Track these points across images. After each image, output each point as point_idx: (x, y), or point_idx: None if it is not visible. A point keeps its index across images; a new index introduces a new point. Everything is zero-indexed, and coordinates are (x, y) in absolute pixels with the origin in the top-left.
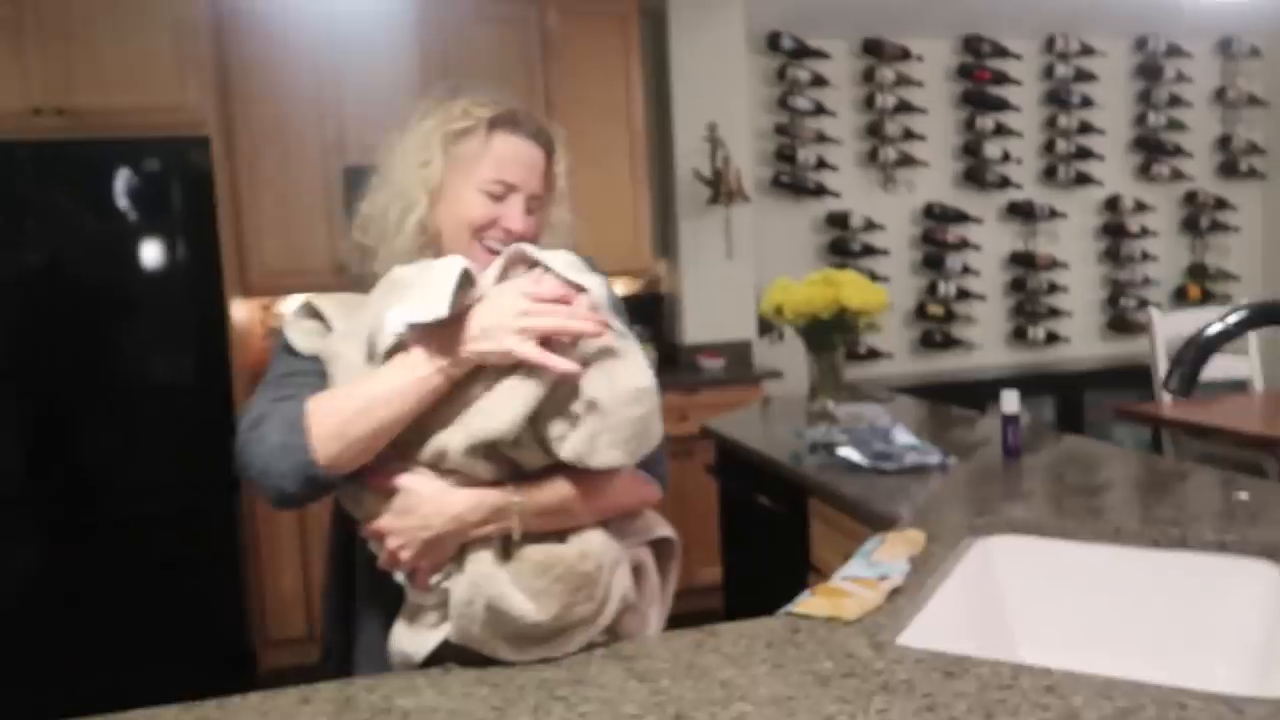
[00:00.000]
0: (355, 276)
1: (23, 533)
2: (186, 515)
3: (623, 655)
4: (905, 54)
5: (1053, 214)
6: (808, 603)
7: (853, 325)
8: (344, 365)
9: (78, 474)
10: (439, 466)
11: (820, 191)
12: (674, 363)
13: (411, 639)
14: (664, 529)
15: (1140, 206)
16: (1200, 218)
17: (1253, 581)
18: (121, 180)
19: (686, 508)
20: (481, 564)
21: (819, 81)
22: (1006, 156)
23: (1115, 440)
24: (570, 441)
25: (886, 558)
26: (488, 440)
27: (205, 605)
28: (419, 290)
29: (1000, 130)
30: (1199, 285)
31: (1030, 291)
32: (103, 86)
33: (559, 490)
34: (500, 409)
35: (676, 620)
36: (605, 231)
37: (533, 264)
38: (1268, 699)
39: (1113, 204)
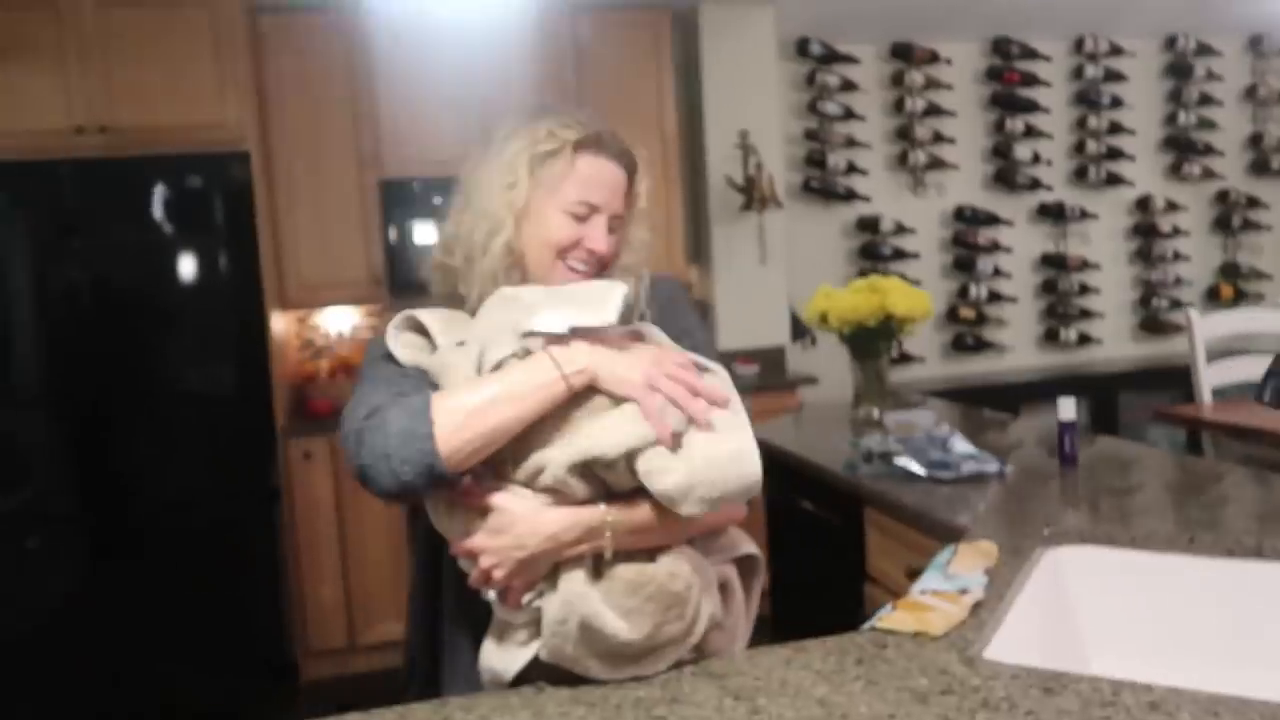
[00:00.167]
0: (441, 295)
1: (66, 543)
2: (227, 526)
3: (713, 673)
4: (934, 57)
5: (1083, 215)
6: (891, 617)
7: (897, 332)
8: (458, 373)
9: (120, 485)
10: (534, 484)
11: (850, 196)
12: None
13: (501, 657)
14: (748, 546)
15: (1171, 206)
16: (1232, 216)
17: None
18: (163, 196)
19: None
20: (575, 583)
21: (848, 86)
22: (1036, 158)
23: (1150, 442)
24: (665, 484)
25: (963, 570)
26: (590, 458)
27: (246, 616)
28: (562, 305)
29: (1030, 132)
30: (1231, 284)
31: (1062, 293)
32: (144, 104)
33: (650, 509)
34: (607, 433)
35: None
36: None
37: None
38: None
39: (1144, 204)
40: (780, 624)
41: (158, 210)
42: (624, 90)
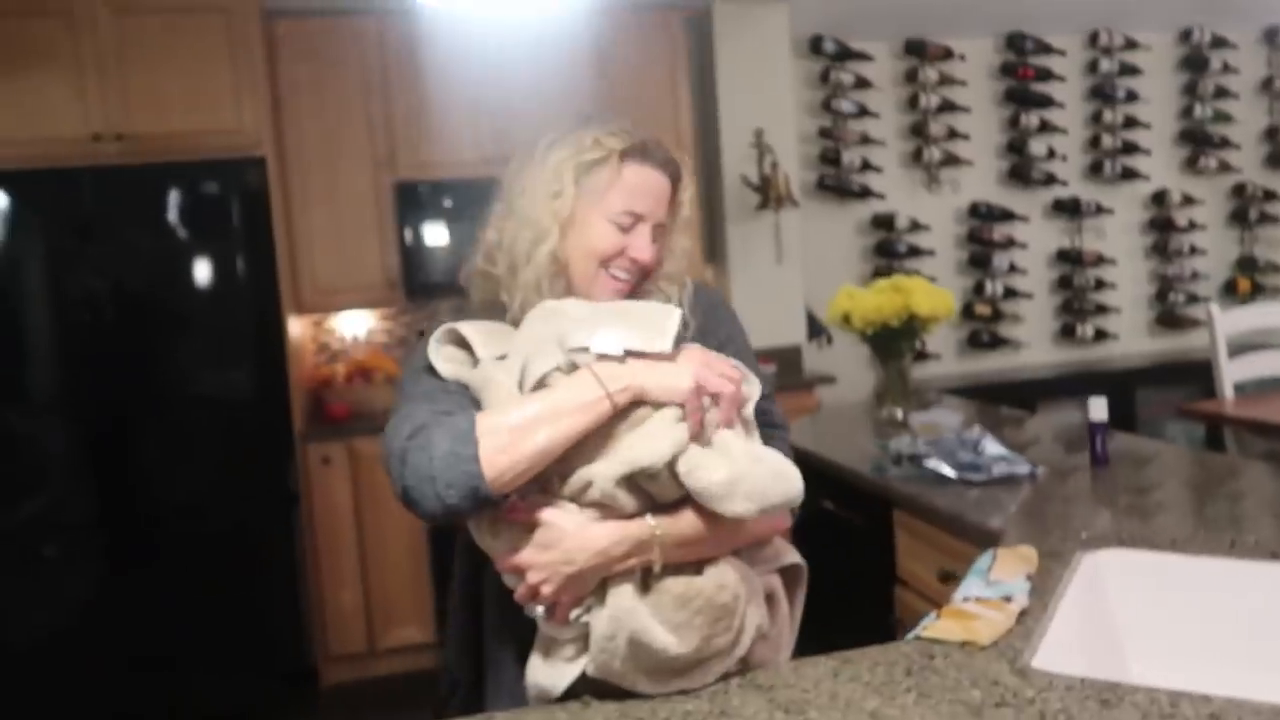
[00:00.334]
0: (481, 303)
1: (83, 550)
2: (246, 531)
3: (760, 685)
4: (948, 53)
5: (1099, 210)
6: (936, 626)
7: (920, 332)
8: (500, 390)
9: (138, 490)
10: (580, 499)
11: (865, 194)
12: None
13: (548, 673)
14: (792, 555)
15: (1187, 200)
16: (1249, 210)
17: None
18: (179, 202)
19: None
20: (623, 598)
21: (862, 83)
22: (1051, 153)
23: (1169, 438)
24: (708, 481)
25: (1005, 576)
26: (636, 470)
27: (265, 621)
28: (612, 324)
29: (1045, 127)
30: (1249, 278)
31: (1077, 289)
32: (160, 111)
33: (696, 521)
34: (650, 443)
35: None
36: None
37: None
38: None
39: (1159, 198)
40: (805, 626)
41: (174, 216)
42: (639, 90)
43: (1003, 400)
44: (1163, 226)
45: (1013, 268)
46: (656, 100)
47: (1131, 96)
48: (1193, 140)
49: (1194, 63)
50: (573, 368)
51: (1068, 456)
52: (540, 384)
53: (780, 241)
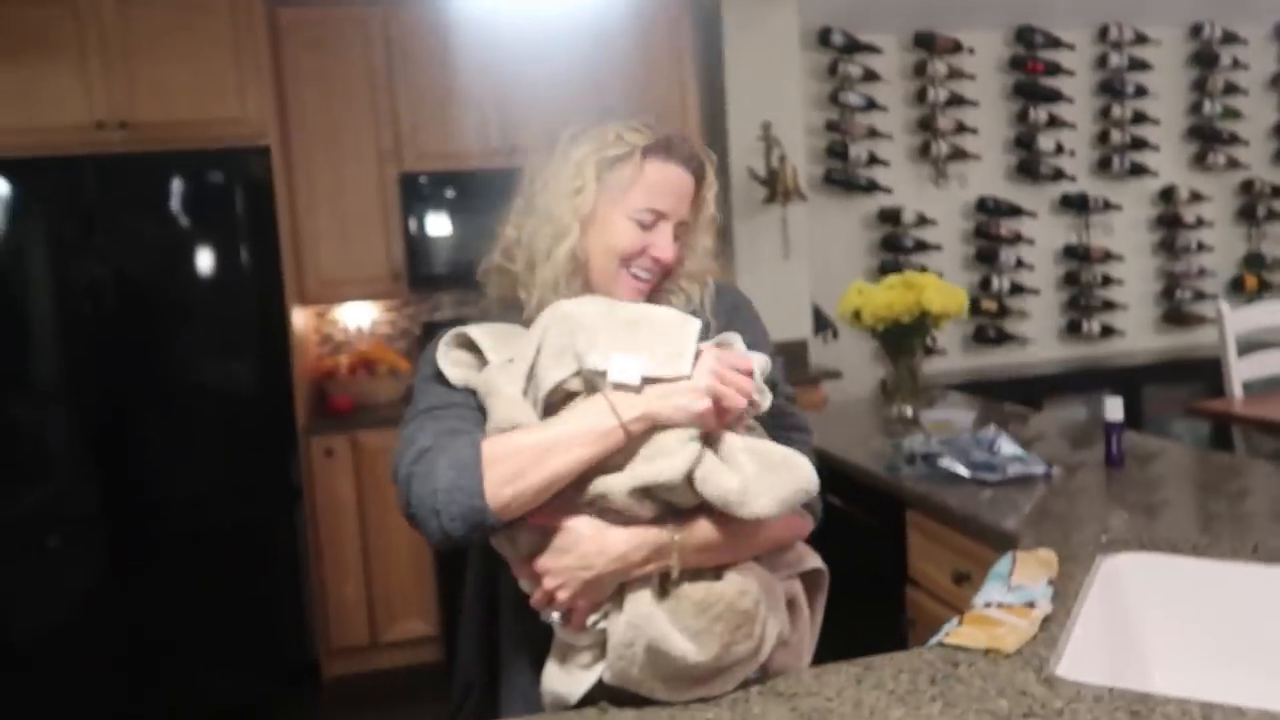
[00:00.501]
0: (496, 299)
1: (86, 542)
2: (248, 524)
3: (782, 693)
4: (957, 46)
5: (1107, 206)
6: (959, 632)
7: (931, 329)
8: (504, 400)
9: (140, 482)
10: (597, 505)
11: (872, 188)
12: None
13: (565, 679)
14: (814, 560)
15: (1196, 196)
16: (1257, 206)
17: None
18: (183, 191)
19: None
20: (641, 604)
21: (870, 76)
22: (1060, 148)
23: (1175, 435)
24: (723, 487)
25: (1026, 581)
26: (653, 485)
27: (268, 614)
28: (627, 338)
29: (1053, 122)
30: (1256, 275)
31: (1084, 285)
32: (164, 99)
33: (716, 526)
34: (667, 456)
35: None
36: None
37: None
38: None
39: (1167, 194)
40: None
41: (178, 206)
42: (646, 81)
43: (1008, 396)
44: (1170, 223)
45: (1019, 263)
46: (664, 92)
47: (1141, 92)
48: (1201, 136)
49: (1204, 58)
50: (586, 384)
51: (1073, 453)
52: (552, 394)
53: (787, 236)
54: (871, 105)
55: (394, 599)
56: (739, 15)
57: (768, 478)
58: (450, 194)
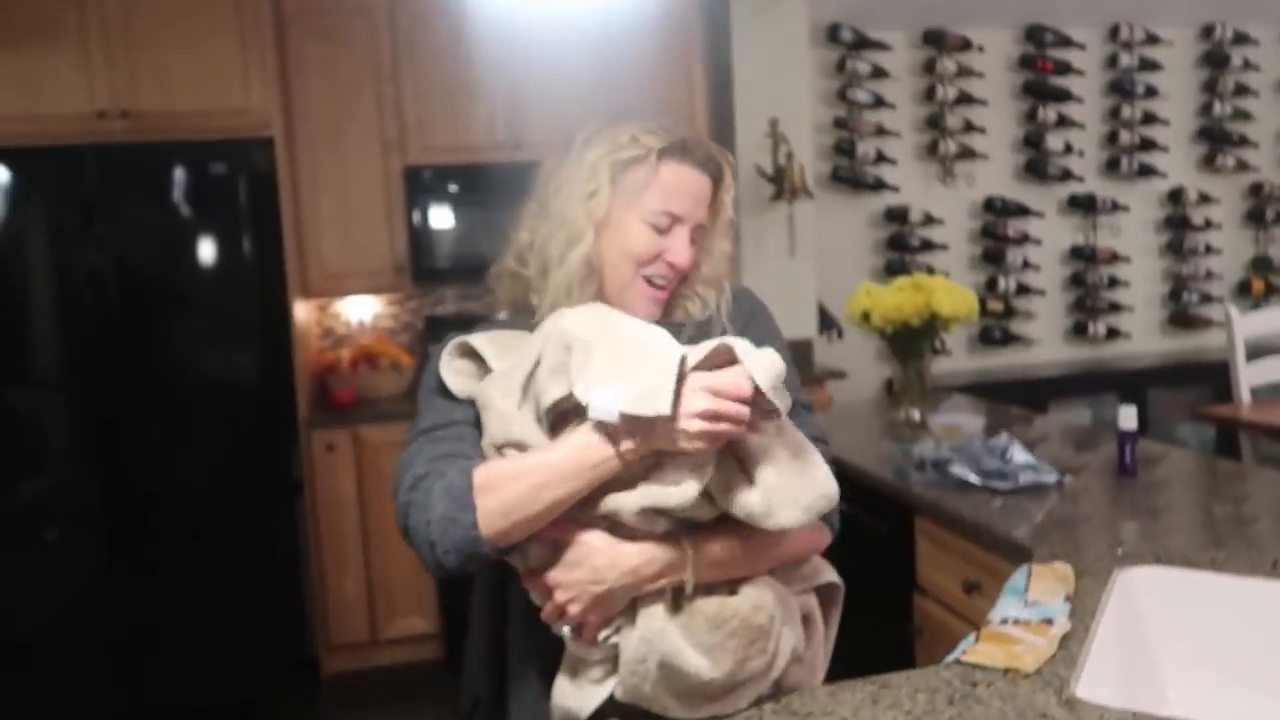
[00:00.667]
0: (507, 303)
1: (85, 535)
2: (249, 518)
3: (796, 711)
4: (966, 44)
5: (1114, 207)
6: (976, 650)
7: (941, 331)
8: (496, 415)
9: (140, 475)
10: (609, 519)
11: (879, 186)
12: None
13: (576, 695)
14: (829, 574)
15: (1204, 199)
16: (1265, 210)
17: None
18: (185, 182)
19: None
20: (653, 619)
21: (879, 73)
22: (1068, 148)
23: (1181, 439)
24: (746, 501)
25: (1043, 596)
26: (665, 507)
27: (267, 609)
28: (615, 363)
29: (1062, 122)
30: (1263, 279)
31: (1090, 286)
32: (167, 89)
33: (731, 540)
34: (678, 479)
35: None
36: None
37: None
38: None
39: (1176, 196)
40: None
41: (180, 196)
42: (654, 76)
43: (1012, 398)
44: (1178, 225)
45: (1026, 264)
46: (671, 87)
47: (1150, 92)
48: (1211, 138)
49: (1215, 59)
50: (571, 397)
51: (1077, 455)
52: (551, 410)
53: (794, 234)
54: (880, 103)
55: (394, 595)
56: (748, 9)
57: (789, 487)
58: (455, 188)
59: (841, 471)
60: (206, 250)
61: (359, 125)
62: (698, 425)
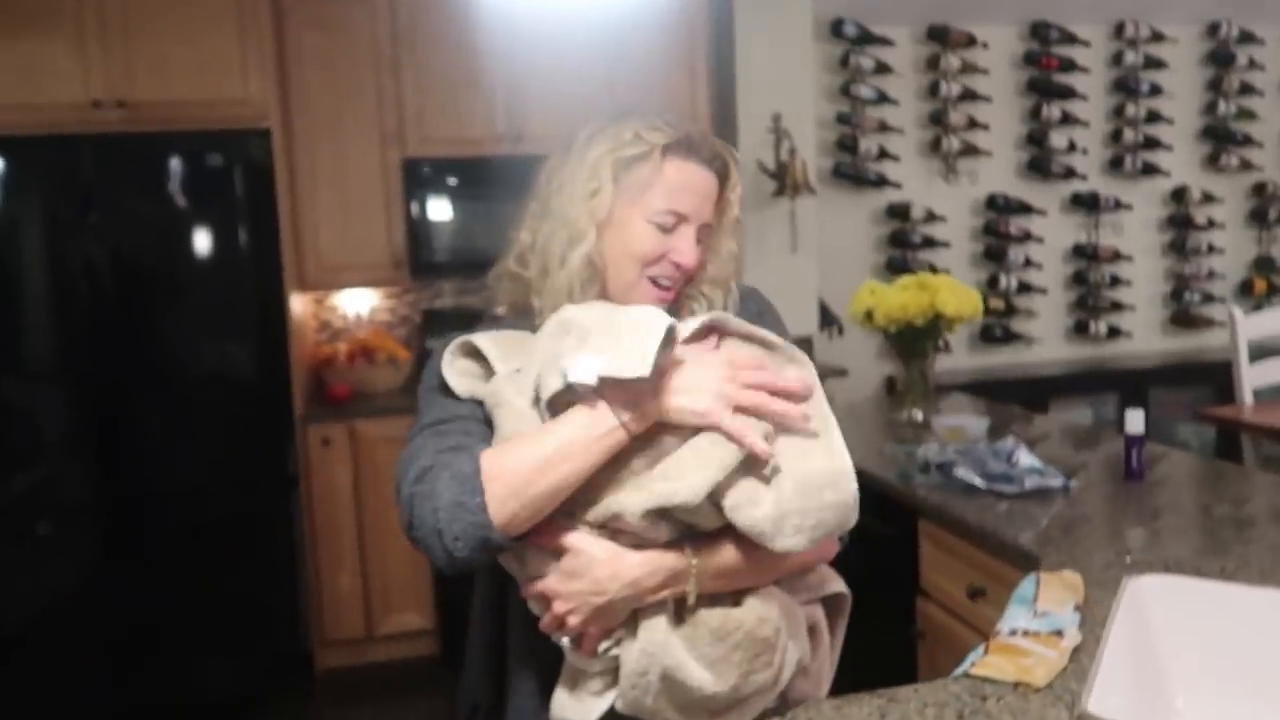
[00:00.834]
0: (509, 306)
1: (78, 528)
2: (244, 513)
3: None
4: (971, 40)
5: (1117, 205)
6: (986, 663)
7: (944, 331)
8: (511, 412)
9: (134, 469)
10: (610, 526)
11: (881, 182)
12: None
13: (575, 707)
14: (837, 584)
15: (1207, 198)
16: (1268, 209)
17: None
18: (181, 173)
19: None
20: (655, 631)
21: (882, 69)
22: (1072, 146)
23: (1181, 440)
24: (754, 518)
25: (1053, 606)
26: (670, 506)
27: (262, 605)
28: (608, 339)
29: (1066, 119)
30: (1265, 279)
31: (1092, 285)
32: (163, 79)
33: (737, 550)
34: (684, 475)
35: None
36: None
37: (733, 333)
38: None
39: (1179, 195)
40: None
41: (176, 187)
42: (656, 69)
43: (1013, 397)
44: (1181, 224)
45: (1028, 262)
46: (674, 81)
47: (1155, 90)
48: (1215, 137)
49: (1220, 58)
50: (570, 387)
51: (1076, 454)
52: (552, 404)
53: (795, 230)
54: (883, 99)
55: (390, 591)
56: (751, 3)
57: (804, 501)
58: (454, 180)
59: None
60: (202, 241)
61: (357, 116)
62: (714, 400)
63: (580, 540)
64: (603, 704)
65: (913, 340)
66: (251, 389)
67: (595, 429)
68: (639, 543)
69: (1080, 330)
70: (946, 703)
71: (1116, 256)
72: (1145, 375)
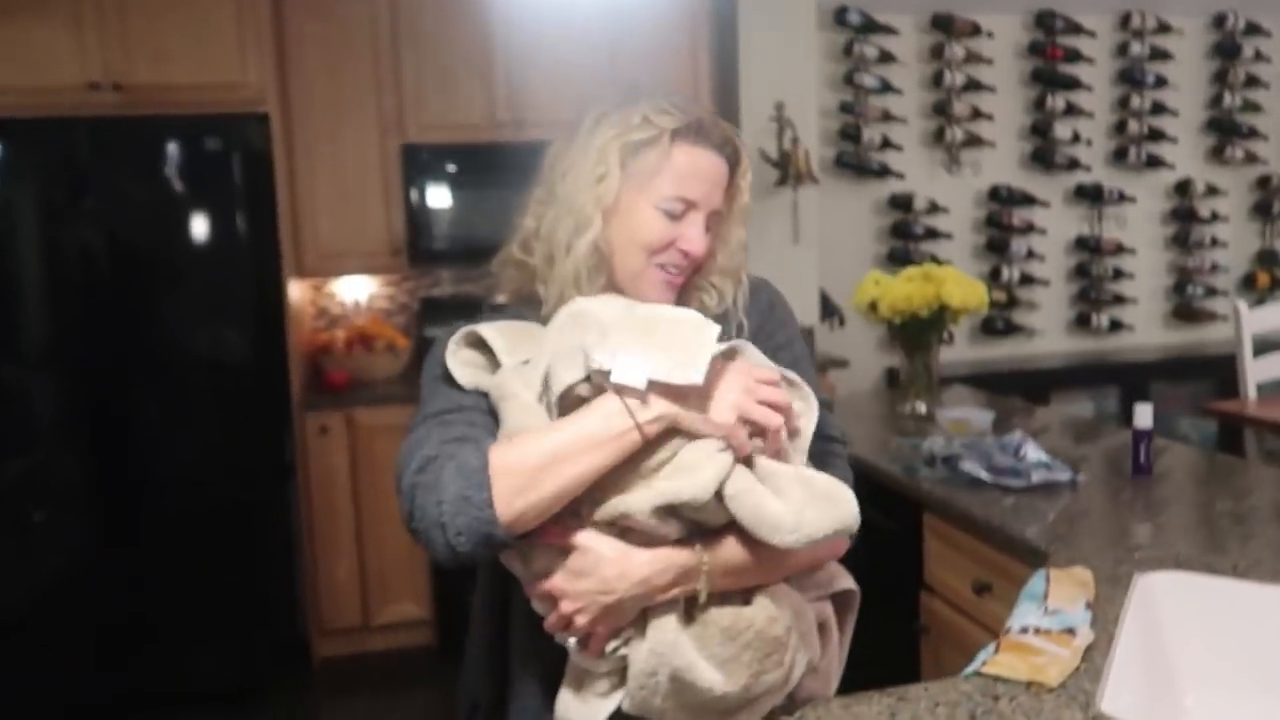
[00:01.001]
0: (512, 294)
1: (73, 515)
2: (240, 501)
3: None
4: (975, 30)
5: (1121, 198)
6: (997, 661)
7: (949, 323)
8: (517, 405)
9: (130, 455)
10: (618, 524)
11: (884, 172)
12: None
13: (581, 708)
14: (846, 581)
15: (1211, 190)
16: (1273, 203)
17: None
18: (179, 157)
19: None
20: (664, 631)
21: (886, 58)
22: (1076, 137)
23: (1183, 434)
24: (760, 511)
25: (1064, 604)
26: (678, 503)
27: (259, 594)
28: (639, 337)
29: (1070, 110)
30: (1268, 273)
31: (1095, 277)
32: (161, 62)
33: (747, 547)
34: (692, 472)
35: None
36: None
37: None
38: None
39: (1183, 188)
40: None
41: (173, 172)
42: (658, 57)
43: (1014, 389)
44: (1185, 217)
45: (1030, 254)
46: (676, 68)
47: (1160, 82)
48: (1220, 129)
49: (1226, 49)
50: (597, 387)
51: (1077, 448)
52: (563, 397)
53: (798, 220)
54: (886, 88)
55: (387, 581)
56: None
57: (809, 509)
58: (453, 167)
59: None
60: (199, 227)
61: (356, 102)
62: (728, 411)
63: (588, 538)
64: (609, 705)
65: (917, 332)
66: (249, 376)
67: (609, 430)
68: (647, 541)
69: (1082, 323)
70: (958, 702)
71: (1119, 249)
72: (1147, 369)
